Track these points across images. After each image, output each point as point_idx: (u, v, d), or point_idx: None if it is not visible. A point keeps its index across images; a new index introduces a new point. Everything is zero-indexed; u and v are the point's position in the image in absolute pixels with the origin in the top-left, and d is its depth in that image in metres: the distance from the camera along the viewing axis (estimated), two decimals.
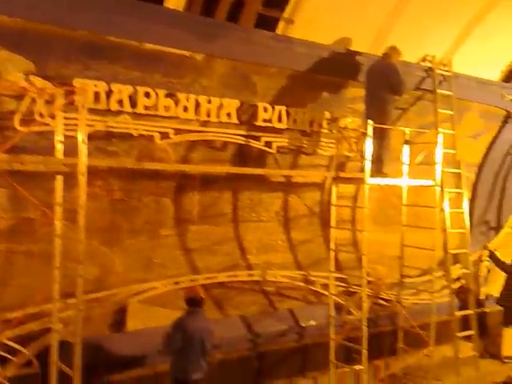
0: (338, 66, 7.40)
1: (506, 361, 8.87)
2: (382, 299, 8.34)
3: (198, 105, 6.42)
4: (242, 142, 6.89)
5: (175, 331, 5.34)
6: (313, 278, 7.59)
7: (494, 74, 9.11)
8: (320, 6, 6.90)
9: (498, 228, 10.04)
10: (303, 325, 7.51)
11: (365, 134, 6.90)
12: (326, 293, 7.39)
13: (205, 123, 6.57)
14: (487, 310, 9.59)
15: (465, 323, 8.30)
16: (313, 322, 7.56)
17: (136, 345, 6.06)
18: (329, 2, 6.96)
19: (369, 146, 6.77)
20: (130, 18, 5.62)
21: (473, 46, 8.43)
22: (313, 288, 7.61)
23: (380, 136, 7.09)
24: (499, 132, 9.55)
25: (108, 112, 5.79)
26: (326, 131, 7.55)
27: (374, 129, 6.84)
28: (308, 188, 7.77)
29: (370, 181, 6.87)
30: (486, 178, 9.68)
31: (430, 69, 8.13)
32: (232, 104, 6.68)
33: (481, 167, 9.68)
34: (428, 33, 8.03)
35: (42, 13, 5.14)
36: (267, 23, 6.91)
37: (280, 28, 6.99)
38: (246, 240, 7.22)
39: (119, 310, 6.17)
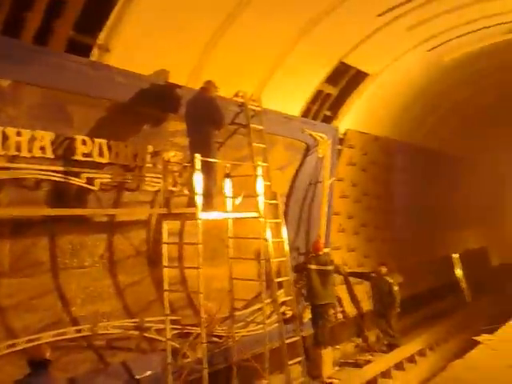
0: (158, 99, 7.17)
1: (328, 381, 9.33)
2: (215, 336, 8.11)
3: (5, 137, 5.53)
4: (60, 179, 6.13)
5: None
6: (147, 325, 7.00)
7: (296, 109, 9.80)
8: (137, 34, 6.57)
9: (306, 253, 10.66)
10: (138, 377, 6.83)
11: (188, 168, 6.78)
12: (162, 338, 6.89)
13: (14, 158, 5.68)
14: (304, 334, 10.04)
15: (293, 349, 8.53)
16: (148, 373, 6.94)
17: None
18: (145, 32, 6.68)
19: (199, 180, 6.61)
20: None
21: (278, 83, 8.97)
22: (147, 335, 7.01)
23: (207, 170, 7.00)
24: (301, 164, 10.24)
25: None
26: (149, 165, 7.17)
27: (201, 163, 6.73)
28: (133, 226, 7.26)
29: (203, 215, 6.69)
30: (293, 207, 10.24)
31: (243, 104, 8.39)
32: (45, 136, 5.93)
33: (288, 197, 10.22)
34: (240, 69, 8.31)
35: None
36: (80, 50, 6.29)
37: (95, 55, 6.43)
38: (69, 290, 6.36)
39: None
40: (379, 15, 8.97)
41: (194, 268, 6.74)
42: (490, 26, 10.08)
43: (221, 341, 8.17)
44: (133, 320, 6.92)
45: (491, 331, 9.57)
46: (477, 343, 8.86)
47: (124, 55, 6.56)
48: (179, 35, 7.09)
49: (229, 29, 7.51)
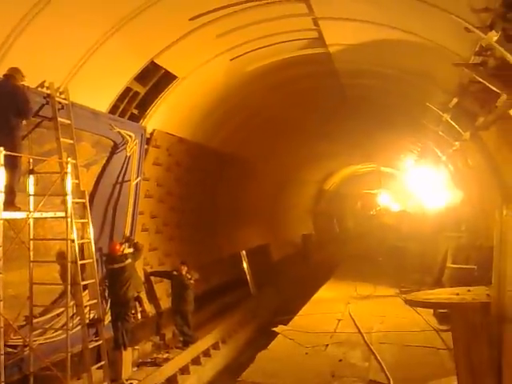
0: None
1: (127, 383, 9.26)
2: (9, 346, 7.41)
3: None
4: None
5: None
6: None
7: (104, 105, 9.45)
8: None
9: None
10: None
11: None
12: None
13: None
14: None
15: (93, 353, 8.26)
16: None
17: None
18: None
19: (1, 177, 6.02)
20: None
21: (86, 77, 8.55)
22: None
23: (9, 165, 6.41)
24: (108, 162, 9.92)
25: None
26: None
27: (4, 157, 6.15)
28: None
29: (4, 215, 6.11)
30: (97, 206, 9.83)
31: (49, 96, 7.85)
32: None
33: (92, 196, 9.79)
34: (46, 58, 7.73)
35: None
36: None
37: None
38: None
39: None
40: (191, 19, 9.17)
41: None
42: (285, 41, 11.07)
43: (15, 351, 7.52)
44: None
45: (285, 322, 10.56)
46: (273, 334, 9.69)
47: None
48: None
49: (38, 15, 6.93)
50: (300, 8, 9.29)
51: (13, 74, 6.78)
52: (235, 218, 18.13)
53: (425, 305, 7.00)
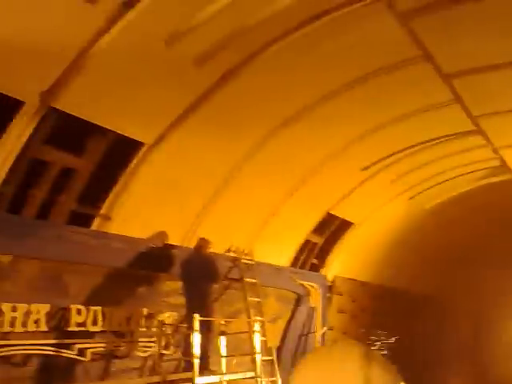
0: (154, 260, 7.16)
1: None
2: None
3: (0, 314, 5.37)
4: (51, 353, 5.86)
5: None
6: None
7: (285, 259, 9.85)
8: (137, 202, 6.73)
9: None
10: None
11: (181, 328, 6.56)
12: None
13: (6, 335, 5.45)
14: None
15: None
16: None
17: None
18: (145, 198, 6.84)
19: (197, 342, 6.39)
20: None
21: (269, 235, 9.11)
22: None
23: (203, 329, 6.80)
24: (293, 315, 10.07)
25: None
26: (143, 329, 6.96)
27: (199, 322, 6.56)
28: None
29: (199, 381, 6.38)
30: (284, 359, 9.85)
31: (236, 258, 8.43)
32: (41, 309, 5.77)
33: (279, 350, 9.88)
34: (232, 226, 8.47)
35: None
36: (81, 220, 6.37)
37: (96, 224, 6.50)
38: None
39: None
40: (363, 169, 9.46)
41: None
42: (464, 174, 10.74)
43: None
44: None
45: None
46: None
47: (124, 222, 6.65)
48: (177, 200, 7.29)
49: (225, 190, 7.76)
50: (477, 140, 9.19)
51: (202, 244, 7.48)
52: (435, 362, 16.53)
53: None
